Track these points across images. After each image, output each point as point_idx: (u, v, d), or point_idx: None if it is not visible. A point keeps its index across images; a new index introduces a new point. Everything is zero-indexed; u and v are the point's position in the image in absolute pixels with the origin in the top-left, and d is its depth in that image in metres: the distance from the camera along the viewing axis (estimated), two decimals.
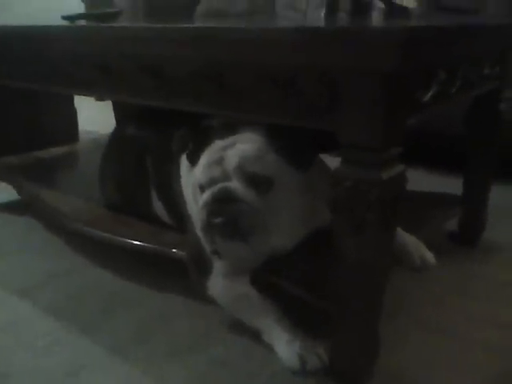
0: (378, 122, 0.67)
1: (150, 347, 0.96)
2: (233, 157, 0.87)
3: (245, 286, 0.95)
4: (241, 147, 0.87)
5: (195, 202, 0.95)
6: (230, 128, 0.91)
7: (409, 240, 1.03)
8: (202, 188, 0.91)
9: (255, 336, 0.94)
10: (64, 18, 1.45)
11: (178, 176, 1.06)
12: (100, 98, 3.56)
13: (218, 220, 0.85)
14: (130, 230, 1.16)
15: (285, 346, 0.89)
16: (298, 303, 0.94)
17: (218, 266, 0.97)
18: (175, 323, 1.03)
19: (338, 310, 0.82)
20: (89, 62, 1.01)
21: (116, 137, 1.36)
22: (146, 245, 1.10)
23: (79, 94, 1.20)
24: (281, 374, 0.87)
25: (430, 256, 1.03)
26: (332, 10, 1.54)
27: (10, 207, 1.64)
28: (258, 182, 0.87)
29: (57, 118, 2.01)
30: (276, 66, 0.74)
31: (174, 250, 1.06)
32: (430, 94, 0.77)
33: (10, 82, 1.23)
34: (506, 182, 1.68)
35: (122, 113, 1.97)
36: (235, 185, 0.86)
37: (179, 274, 1.05)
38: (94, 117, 2.69)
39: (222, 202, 0.86)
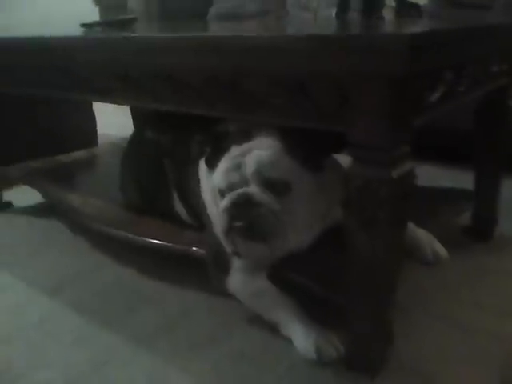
0: (386, 123, 0.71)
1: (173, 340, 1.01)
2: (251, 163, 0.91)
3: (263, 282, 1.00)
4: (258, 153, 0.91)
5: (215, 205, 1.00)
6: (246, 133, 0.95)
7: (420, 234, 1.06)
8: (222, 192, 0.95)
9: (273, 329, 0.98)
10: (82, 25, 1.51)
11: (197, 178, 1.10)
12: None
13: (239, 224, 0.89)
14: (151, 230, 1.21)
15: (302, 337, 0.93)
16: (314, 297, 0.97)
17: (236, 263, 1.01)
18: (196, 318, 1.07)
19: (352, 304, 0.86)
20: (108, 71, 1.05)
21: (135, 140, 1.41)
22: (166, 244, 1.15)
23: (98, 101, 1.25)
24: (299, 364, 0.91)
25: (441, 249, 1.05)
26: (343, 9, 1.56)
27: (35, 210, 1.71)
28: (275, 186, 0.91)
29: (76, 123, 2.08)
30: (287, 72, 0.77)
31: (194, 248, 1.11)
32: (436, 94, 0.80)
33: (31, 91, 1.29)
34: None
35: (139, 117, 2.02)
36: (254, 189, 0.90)
37: (199, 272, 1.10)
38: (112, 120, 2.75)
39: (242, 207, 0.90)
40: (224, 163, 0.94)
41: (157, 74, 0.95)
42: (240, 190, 0.91)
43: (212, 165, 0.99)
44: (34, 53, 1.17)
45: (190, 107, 0.94)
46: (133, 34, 1.03)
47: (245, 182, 0.92)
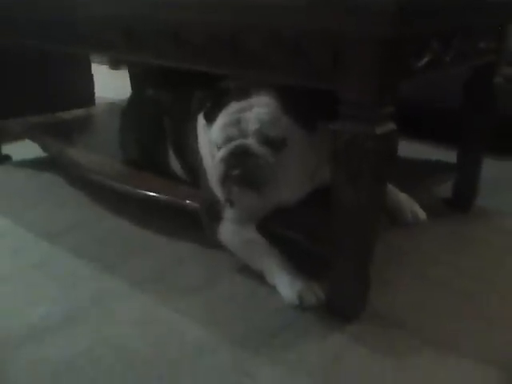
0: (374, 83, 0.77)
1: (165, 284, 1.08)
2: (251, 119, 0.96)
3: (252, 233, 1.07)
4: (258, 110, 0.97)
5: (211, 157, 1.05)
6: (245, 91, 1.00)
7: (401, 197, 1.13)
8: (218, 145, 1.01)
9: (260, 277, 1.05)
10: None
11: (194, 134, 1.15)
12: (114, 67, 3.67)
13: (236, 172, 0.95)
14: (148, 183, 1.27)
15: (286, 285, 1.00)
16: (299, 249, 1.04)
17: (227, 214, 1.07)
18: (188, 266, 1.14)
19: (334, 253, 0.93)
20: (112, 26, 1.10)
21: (134, 99, 1.46)
22: (162, 196, 1.21)
23: (103, 56, 1.30)
24: (282, 309, 0.99)
25: (421, 212, 1.13)
26: None
27: (34, 164, 1.76)
28: (272, 142, 0.97)
29: (75, 82, 2.12)
30: (286, 31, 0.83)
31: (187, 202, 1.17)
32: (423, 61, 0.86)
33: (35, 43, 1.33)
34: (502, 156, 1.78)
35: (138, 77, 2.06)
36: (251, 142, 0.96)
37: (192, 224, 1.16)
38: (109, 84, 2.79)
39: (239, 156, 0.96)
40: (222, 118, 1.00)
41: (160, 30, 1.00)
42: (237, 142, 0.97)
43: (210, 119, 1.04)
44: (39, 5, 1.21)
45: (193, 64, 0.99)
46: None
47: (243, 136, 0.97)
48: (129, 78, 2.28)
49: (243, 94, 1.00)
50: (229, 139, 0.99)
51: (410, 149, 1.52)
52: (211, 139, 1.03)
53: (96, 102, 2.23)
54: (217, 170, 0.99)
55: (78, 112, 1.90)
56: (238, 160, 0.96)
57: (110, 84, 2.83)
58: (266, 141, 0.97)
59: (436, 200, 1.43)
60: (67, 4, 1.18)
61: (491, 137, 1.33)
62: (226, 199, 1.01)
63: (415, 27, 0.78)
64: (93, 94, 2.21)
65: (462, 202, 1.42)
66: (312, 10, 0.76)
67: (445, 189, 1.39)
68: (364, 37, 0.75)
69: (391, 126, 0.82)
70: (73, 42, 1.22)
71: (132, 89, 2.08)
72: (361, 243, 0.91)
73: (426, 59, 0.86)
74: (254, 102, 0.98)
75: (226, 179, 0.97)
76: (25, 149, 1.79)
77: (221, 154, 0.98)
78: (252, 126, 0.97)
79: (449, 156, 1.41)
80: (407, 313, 0.99)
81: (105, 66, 3.63)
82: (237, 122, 0.98)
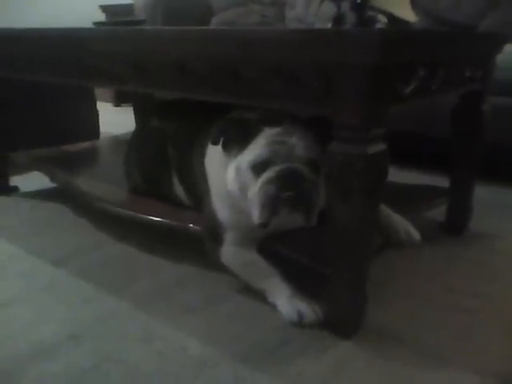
0: (363, 107, 0.83)
1: (168, 304, 1.11)
2: (297, 144, 1.01)
3: (253, 254, 1.11)
4: (300, 136, 1.02)
5: (236, 182, 1.06)
6: (269, 120, 1.05)
7: (395, 217, 1.17)
8: (259, 166, 1.01)
9: (261, 297, 1.08)
10: (95, 24, 1.64)
11: (200, 162, 1.20)
12: (118, 104, 3.79)
13: (289, 194, 0.98)
14: (152, 209, 1.31)
15: (285, 302, 1.04)
16: (298, 268, 1.08)
17: (229, 236, 1.12)
18: (191, 287, 1.18)
19: (332, 271, 0.97)
20: (122, 60, 1.17)
21: (139, 130, 1.52)
22: (165, 221, 1.26)
23: (113, 88, 1.37)
24: (282, 326, 1.02)
25: (414, 232, 1.16)
26: (338, 23, 1.70)
27: (39, 194, 1.81)
28: (314, 166, 1.01)
29: (81, 117, 2.20)
30: (281, 62, 0.90)
31: (190, 225, 1.21)
32: (410, 87, 0.92)
33: (49, 78, 1.40)
34: (494, 180, 1.84)
35: (141, 113, 2.14)
36: (301, 165, 1.01)
37: (195, 248, 1.20)
38: (113, 121, 2.88)
39: (288, 179, 0.99)
40: (262, 139, 1.03)
41: (166, 63, 1.07)
42: (285, 165, 1.00)
43: (231, 147, 1.07)
44: (53, 43, 1.29)
45: (196, 93, 1.06)
46: (147, 27, 1.15)
47: (287, 161, 1.00)
48: (133, 113, 2.36)
49: (269, 122, 1.05)
50: (277, 155, 1.01)
51: (402, 176, 1.58)
52: (249, 161, 1.03)
53: (101, 136, 2.31)
54: (262, 191, 1.00)
55: (84, 145, 1.97)
56: (289, 182, 0.99)
57: (114, 120, 2.91)
58: (310, 165, 1.01)
59: (430, 223, 1.47)
60: (77, 39, 1.26)
61: (481, 162, 1.39)
62: (261, 223, 1.02)
63: (401, 56, 0.85)
64: (98, 128, 2.29)
65: (455, 226, 1.47)
66: (305, 42, 0.83)
67: (438, 213, 1.44)
68: (353, 65, 0.82)
69: (382, 146, 0.87)
70: (84, 76, 1.30)
71: (136, 122, 2.16)
72: (356, 261, 0.95)
73: (412, 86, 0.93)
74: (289, 128, 1.03)
75: (274, 200, 0.99)
76: (31, 181, 1.85)
77: (269, 175, 1.00)
78: (298, 151, 1.01)
79: (441, 182, 1.46)
80: (403, 328, 1.02)
81: (109, 104, 3.74)
82: (280, 146, 1.01)
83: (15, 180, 1.87)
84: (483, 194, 1.63)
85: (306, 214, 1.00)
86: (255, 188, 1.01)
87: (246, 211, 1.05)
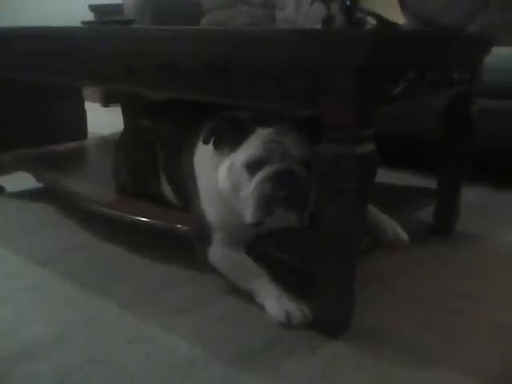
0: (352, 107, 0.83)
1: (156, 305, 1.10)
2: (291, 144, 1.01)
3: (240, 254, 1.10)
4: (294, 136, 1.02)
5: (229, 181, 1.05)
6: (262, 120, 1.05)
7: (383, 217, 1.18)
8: (254, 165, 1.01)
9: (249, 298, 1.08)
10: (83, 23, 1.62)
11: (189, 162, 1.19)
12: (106, 104, 3.76)
13: (284, 193, 0.98)
14: (139, 209, 1.30)
15: (273, 302, 1.04)
16: (286, 268, 1.08)
17: (217, 237, 1.11)
18: (178, 288, 1.17)
19: (320, 271, 0.97)
20: (111, 59, 1.16)
21: (127, 130, 1.51)
22: (153, 221, 1.25)
23: (103, 88, 1.36)
24: (270, 326, 1.02)
25: (402, 232, 1.17)
26: (328, 25, 1.70)
27: (26, 195, 1.80)
28: (306, 165, 1.00)
29: (69, 117, 2.18)
30: (271, 62, 0.89)
31: (178, 226, 1.21)
32: (399, 88, 0.93)
33: (40, 77, 1.39)
34: (481, 182, 1.85)
35: (131, 112, 2.12)
36: (294, 165, 1.00)
37: (182, 249, 1.20)
38: (101, 121, 2.85)
39: (284, 178, 0.99)
40: (257, 138, 1.02)
41: (157, 62, 1.07)
42: (280, 164, 0.99)
43: (228, 146, 1.06)
44: (42, 42, 1.28)
45: (187, 93, 1.05)
46: (137, 26, 1.14)
47: (281, 160, 1.00)
48: (121, 113, 2.34)
49: (262, 122, 1.04)
50: (272, 154, 1.01)
51: (390, 177, 1.59)
52: (243, 160, 1.02)
53: (88, 136, 2.29)
54: (257, 190, 0.99)
55: (71, 145, 1.96)
56: (285, 181, 0.99)
57: (102, 121, 2.89)
58: (304, 165, 1.01)
59: (417, 224, 1.48)
60: (66, 38, 1.25)
61: (468, 164, 1.40)
62: (255, 222, 1.01)
63: (390, 57, 0.85)
64: (86, 128, 2.27)
65: (442, 227, 1.48)
66: (295, 42, 0.83)
67: (426, 214, 1.45)
68: (343, 66, 0.82)
69: (371, 146, 0.87)
70: (72, 75, 1.29)
71: (124, 123, 2.14)
72: (344, 261, 0.95)
73: (401, 87, 0.93)
74: (282, 128, 1.03)
75: (270, 199, 0.99)
76: (18, 181, 1.83)
77: (264, 174, 1.00)
78: (292, 151, 1.01)
79: (429, 183, 1.47)
80: (391, 328, 1.02)
81: (97, 104, 3.72)
82: (275, 145, 1.01)
83: (1, 180, 1.85)
84: (471, 195, 1.65)
85: (299, 214, 1.01)
86: (250, 187, 1.01)
87: (237, 211, 1.05)
